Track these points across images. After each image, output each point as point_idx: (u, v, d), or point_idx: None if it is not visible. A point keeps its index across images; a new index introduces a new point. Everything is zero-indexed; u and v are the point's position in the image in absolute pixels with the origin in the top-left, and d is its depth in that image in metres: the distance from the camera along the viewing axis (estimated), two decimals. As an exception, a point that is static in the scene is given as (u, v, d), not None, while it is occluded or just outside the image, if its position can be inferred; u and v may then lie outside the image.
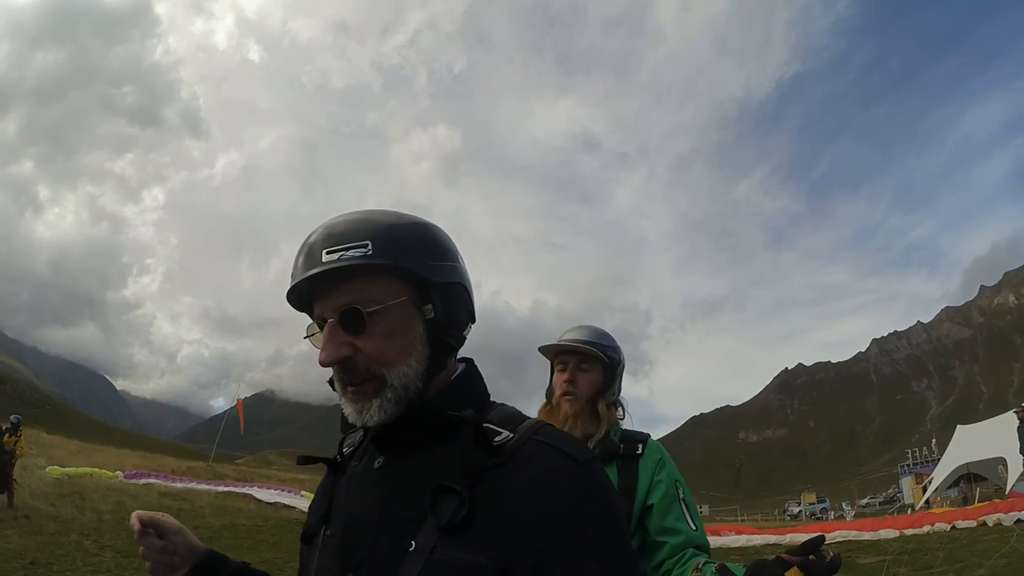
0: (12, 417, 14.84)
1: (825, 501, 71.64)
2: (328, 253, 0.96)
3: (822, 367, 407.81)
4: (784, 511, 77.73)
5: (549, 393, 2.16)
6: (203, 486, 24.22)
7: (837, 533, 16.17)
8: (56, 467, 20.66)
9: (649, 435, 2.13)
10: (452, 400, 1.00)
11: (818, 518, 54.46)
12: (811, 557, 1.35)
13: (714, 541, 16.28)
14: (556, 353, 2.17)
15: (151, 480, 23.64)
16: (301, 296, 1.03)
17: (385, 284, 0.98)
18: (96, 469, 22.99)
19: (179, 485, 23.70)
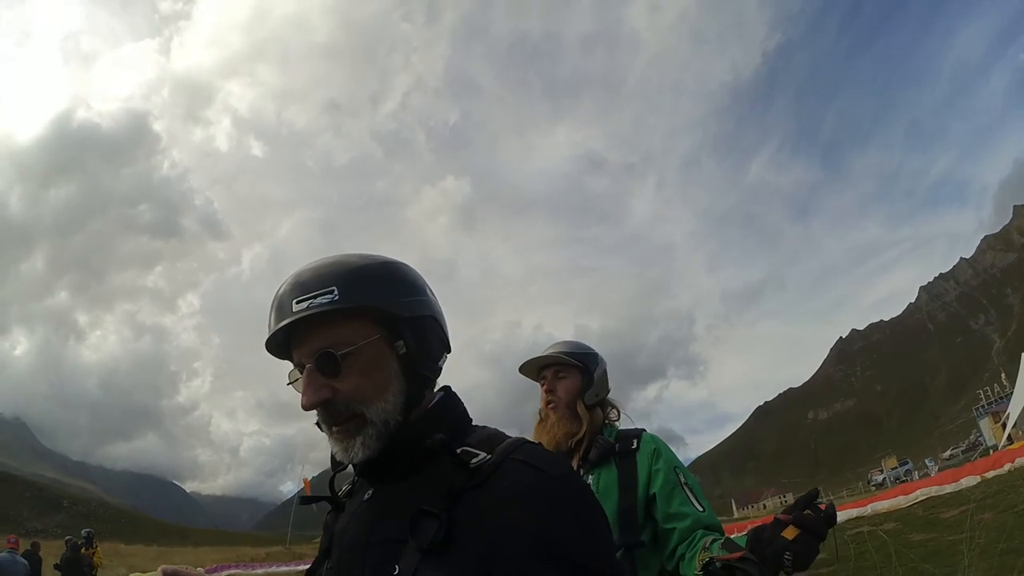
0: (83, 531, 15.26)
1: (908, 463, 69.14)
2: (297, 303, 1.01)
3: (876, 328, 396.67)
4: (868, 482, 75.33)
5: (540, 412, 2.28)
6: (283, 568, 24.55)
7: (918, 492, 15.79)
8: (138, 573, 21.00)
9: (644, 429, 2.19)
10: (429, 428, 1.04)
11: (903, 481, 52.61)
12: (807, 512, 1.37)
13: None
14: (537, 370, 2.29)
15: (232, 571, 24.00)
16: (279, 345, 1.07)
17: (355, 326, 1.02)
18: (178, 569, 23.40)
19: (260, 571, 24.07)
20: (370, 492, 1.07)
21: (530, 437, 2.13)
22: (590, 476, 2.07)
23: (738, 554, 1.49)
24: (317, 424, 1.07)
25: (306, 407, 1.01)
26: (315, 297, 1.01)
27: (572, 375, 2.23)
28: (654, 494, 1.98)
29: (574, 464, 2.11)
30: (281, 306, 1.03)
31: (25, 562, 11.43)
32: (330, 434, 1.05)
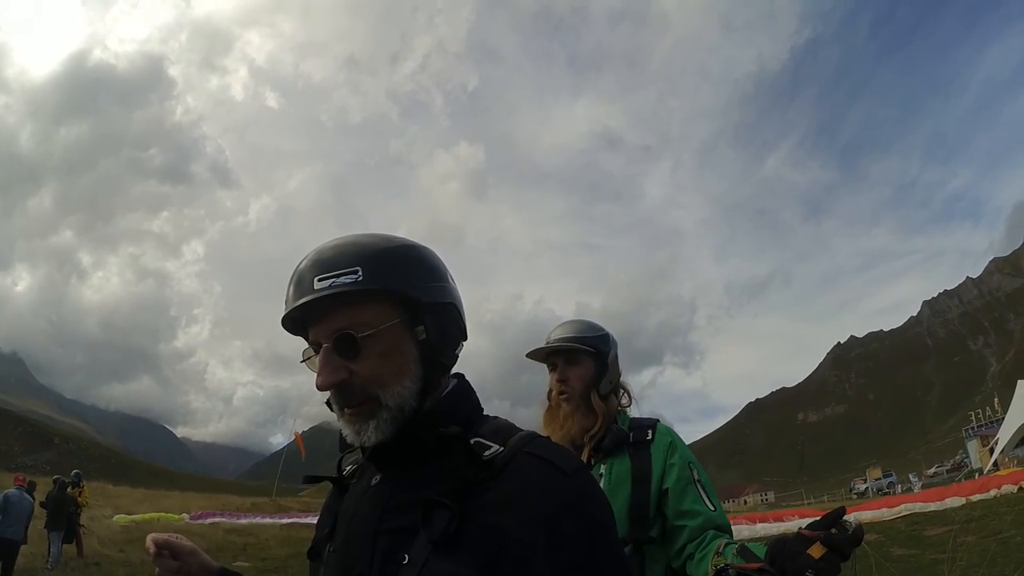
0: (72, 472, 15.70)
1: (891, 475, 69.66)
2: (319, 280, 0.98)
3: (875, 337, 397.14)
4: (850, 489, 75.80)
5: (549, 394, 2.15)
6: (268, 520, 24.81)
7: (902, 507, 15.83)
8: (123, 515, 21.37)
9: (658, 420, 2.11)
10: (443, 416, 1.02)
11: (885, 493, 52.92)
12: (833, 530, 1.31)
13: (776, 527, 16.04)
14: (546, 355, 2.16)
15: (217, 519, 24.26)
16: (295, 321, 1.04)
17: (376, 308, 1.00)
18: (162, 514, 23.73)
19: (244, 521, 24.32)
20: (378, 477, 1.05)
21: (532, 420, 2.20)
22: (602, 465, 2.00)
23: (757, 565, 1.43)
24: (327, 403, 1.04)
25: (321, 387, 0.99)
26: (338, 276, 0.98)
27: (585, 362, 2.11)
28: (667, 489, 1.92)
29: (585, 456, 2.02)
30: (301, 282, 1.00)
31: (31, 499, 11.74)
32: (341, 415, 1.02)
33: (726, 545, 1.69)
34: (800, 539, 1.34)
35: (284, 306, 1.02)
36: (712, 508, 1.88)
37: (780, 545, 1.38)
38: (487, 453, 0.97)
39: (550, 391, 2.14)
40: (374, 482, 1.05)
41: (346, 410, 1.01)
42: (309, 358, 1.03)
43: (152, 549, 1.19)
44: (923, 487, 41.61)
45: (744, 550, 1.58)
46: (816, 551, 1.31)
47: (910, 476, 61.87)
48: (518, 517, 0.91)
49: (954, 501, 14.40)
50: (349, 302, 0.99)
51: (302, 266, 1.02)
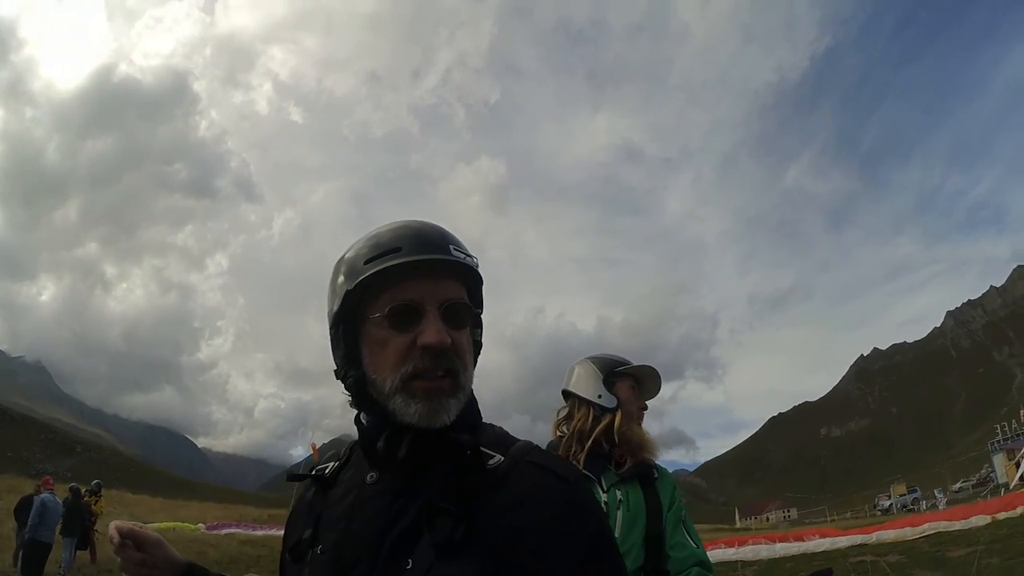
0: (93, 482, 15.95)
1: (916, 491, 68.35)
2: (456, 249, 1.02)
3: (898, 349, 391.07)
4: (874, 506, 74.52)
5: (609, 402, 2.31)
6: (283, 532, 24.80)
7: (926, 526, 15.44)
8: (139, 523, 21.48)
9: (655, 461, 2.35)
10: (458, 421, 1.01)
11: (910, 509, 51.93)
12: None
13: (798, 547, 15.68)
14: (642, 378, 2.41)
15: (232, 530, 24.38)
16: (388, 273, 1.00)
17: (465, 296, 1.05)
18: (178, 523, 23.85)
19: (260, 533, 24.36)
20: (373, 475, 1.03)
21: (543, 427, 2.51)
22: (618, 491, 2.17)
23: None
24: (403, 380, 0.98)
25: (438, 345, 0.97)
26: (467, 255, 1.03)
27: None
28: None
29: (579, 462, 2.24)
30: (431, 241, 1.01)
31: (60, 504, 12.29)
32: (419, 390, 0.98)
33: None
34: None
35: (396, 255, 0.99)
36: (696, 545, 2.14)
37: None
38: (491, 463, 0.98)
39: (612, 398, 2.32)
40: (369, 480, 1.03)
41: (430, 380, 0.98)
42: (395, 314, 0.99)
43: (116, 539, 1.16)
44: (948, 503, 40.82)
45: None
46: None
47: (935, 491, 60.68)
48: (523, 522, 0.91)
49: (980, 519, 14.03)
50: (461, 281, 1.04)
51: (423, 229, 1.04)
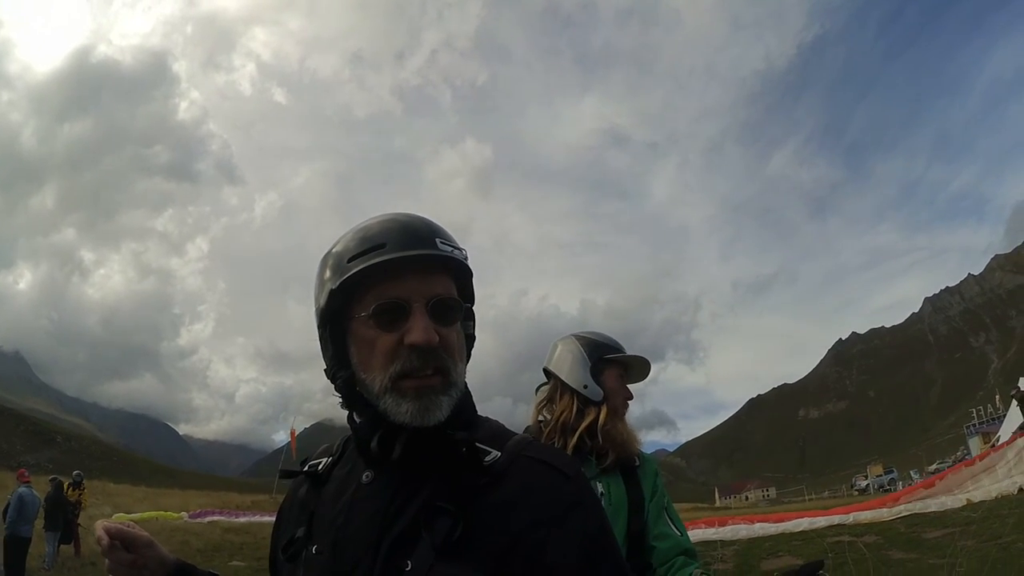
0: (74, 473, 15.75)
1: (893, 471, 69.72)
2: (443, 243, 0.99)
3: (876, 334, 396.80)
4: (851, 486, 75.83)
5: (595, 394, 2.14)
6: (267, 518, 24.70)
7: (901, 507, 15.77)
8: (122, 514, 21.30)
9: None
10: (452, 418, 0.98)
11: (887, 490, 52.94)
12: None
13: (776, 527, 15.97)
14: (627, 365, 2.24)
15: (215, 518, 24.27)
16: (374, 270, 0.97)
17: (454, 292, 1.03)
18: (161, 512, 23.71)
19: (243, 520, 24.30)
20: (369, 474, 1.01)
21: (531, 414, 2.28)
22: (599, 483, 2.05)
23: None
24: (392, 379, 0.96)
25: (423, 343, 0.94)
26: (455, 248, 1.00)
27: None
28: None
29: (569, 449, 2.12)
30: (418, 235, 0.98)
31: (39, 497, 12.11)
32: (409, 388, 0.96)
33: (702, 575, 1.85)
34: None
35: (382, 251, 0.97)
36: (679, 533, 2.02)
37: None
38: (487, 459, 0.96)
39: (596, 390, 2.15)
40: (365, 479, 1.01)
41: (419, 379, 0.96)
42: (381, 312, 0.97)
43: (104, 540, 1.09)
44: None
45: None
46: None
47: (911, 473, 61.90)
48: (524, 519, 0.90)
49: (954, 501, 14.40)
50: (449, 275, 1.01)
51: (412, 222, 1.01)
